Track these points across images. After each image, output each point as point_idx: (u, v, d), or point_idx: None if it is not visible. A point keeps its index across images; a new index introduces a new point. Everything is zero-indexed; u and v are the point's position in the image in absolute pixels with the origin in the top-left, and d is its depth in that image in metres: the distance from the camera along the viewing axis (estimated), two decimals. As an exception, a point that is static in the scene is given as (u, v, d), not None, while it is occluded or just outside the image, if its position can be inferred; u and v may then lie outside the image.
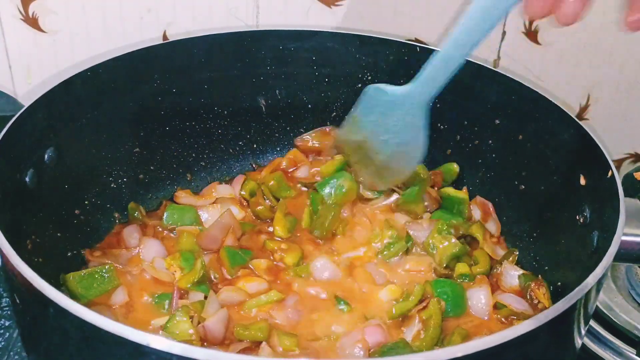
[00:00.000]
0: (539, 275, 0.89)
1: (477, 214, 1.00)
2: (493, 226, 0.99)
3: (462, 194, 1.01)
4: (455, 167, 1.05)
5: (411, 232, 0.96)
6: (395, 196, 1.01)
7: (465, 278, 0.90)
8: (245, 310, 0.85)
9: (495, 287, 0.90)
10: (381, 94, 0.92)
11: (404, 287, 0.89)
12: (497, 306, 0.87)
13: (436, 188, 1.03)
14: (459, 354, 0.52)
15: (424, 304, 0.84)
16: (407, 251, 0.94)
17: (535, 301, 0.86)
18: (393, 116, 0.91)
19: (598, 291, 0.67)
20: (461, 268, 0.90)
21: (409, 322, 0.84)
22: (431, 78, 0.85)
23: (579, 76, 1.18)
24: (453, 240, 0.92)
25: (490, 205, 1.00)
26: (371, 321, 0.84)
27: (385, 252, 0.94)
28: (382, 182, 1.00)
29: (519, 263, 0.95)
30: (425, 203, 1.00)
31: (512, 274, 0.90)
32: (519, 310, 0.85)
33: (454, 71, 0.82)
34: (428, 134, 0.91)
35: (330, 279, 0.91)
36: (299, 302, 0.87)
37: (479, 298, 0.87)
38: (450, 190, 1.01)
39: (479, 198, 1.01)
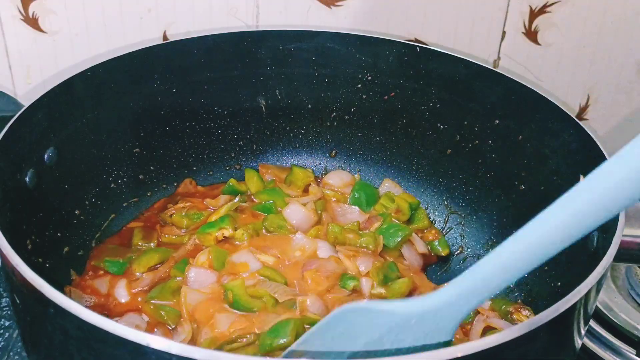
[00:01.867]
0: (519, 300, 0.90)
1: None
2: None
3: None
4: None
5: None
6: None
7: None
8: None
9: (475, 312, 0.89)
10: (376, 316, 0.59)
11: None
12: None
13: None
14: (459, 354, 0.52)
15: None
16: None
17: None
18: (388, 341, 0.60)
19: (598, 291, 0.67)
20: None
21: None
22: (481, 286, 0.57)
23: (579, 76, 1.17)
24: None
25: None
26: None
27: None
28: None
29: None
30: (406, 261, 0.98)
31: None
32: None
33: (518, 276, 0.56)
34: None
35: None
36: None
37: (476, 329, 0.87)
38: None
39: None
